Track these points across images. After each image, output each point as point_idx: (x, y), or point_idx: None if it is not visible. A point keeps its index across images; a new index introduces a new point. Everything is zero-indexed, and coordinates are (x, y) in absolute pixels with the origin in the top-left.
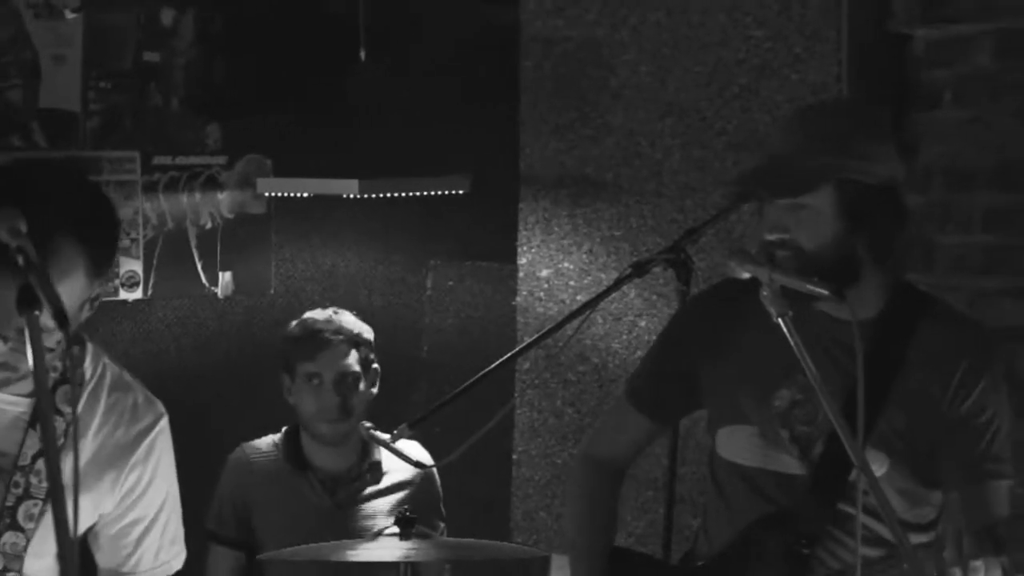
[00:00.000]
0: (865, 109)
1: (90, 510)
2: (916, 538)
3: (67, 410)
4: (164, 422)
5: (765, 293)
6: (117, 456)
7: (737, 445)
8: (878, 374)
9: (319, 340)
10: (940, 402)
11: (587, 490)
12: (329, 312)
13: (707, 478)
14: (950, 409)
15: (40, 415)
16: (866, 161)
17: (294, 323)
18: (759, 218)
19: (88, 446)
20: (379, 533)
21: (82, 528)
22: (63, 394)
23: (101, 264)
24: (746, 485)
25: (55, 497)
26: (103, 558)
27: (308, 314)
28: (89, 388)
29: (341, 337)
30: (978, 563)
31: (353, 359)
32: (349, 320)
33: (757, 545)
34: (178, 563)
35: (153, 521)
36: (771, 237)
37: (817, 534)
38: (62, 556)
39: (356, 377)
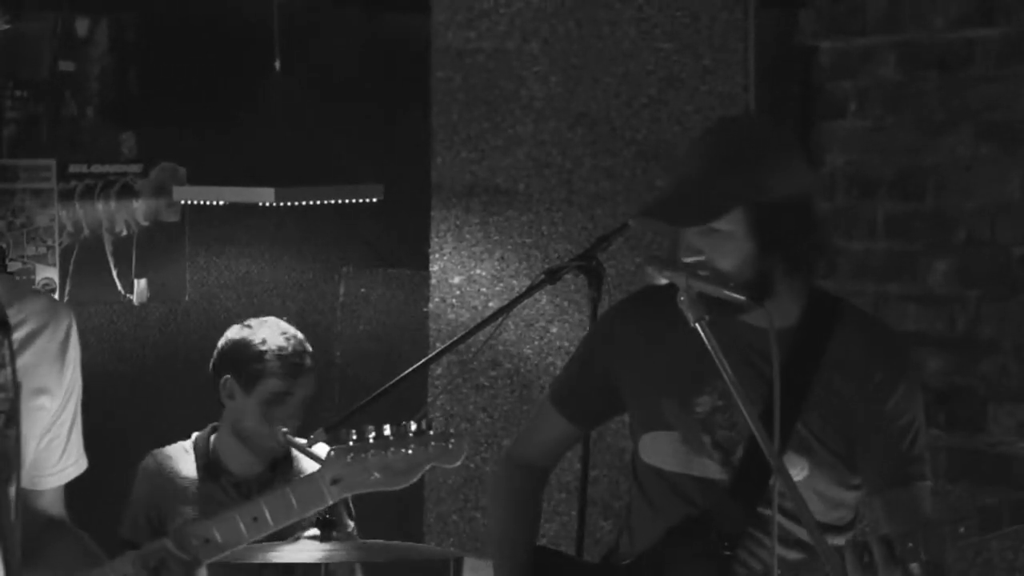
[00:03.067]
0: (770, 128)
1: (44, 418)
2: (835, 539)
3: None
4: (74, 319)
5: (682, 298)
6: (54, 356)
7: (660, 450)
8: (796, 380)
9: (299, 364)
10: (858, 406)
11: (511, 491)
12: (295, 333)
13: (630, 480)
14: (869, 413)
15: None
16: (773, 181)
17: (256, 334)
18: (673, 239)
19: (27, 356)
20: (299, 536)
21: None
22: None
23: None
24: (669, 488)
25: None
26: (36, 466)
27: (271, 329)
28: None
29: (314, 362)
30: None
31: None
32: (307, 343)
33: (680, 546)
34: (85, 460)
35: (75, 414)
36: (688, 260)
37: (738, 536)
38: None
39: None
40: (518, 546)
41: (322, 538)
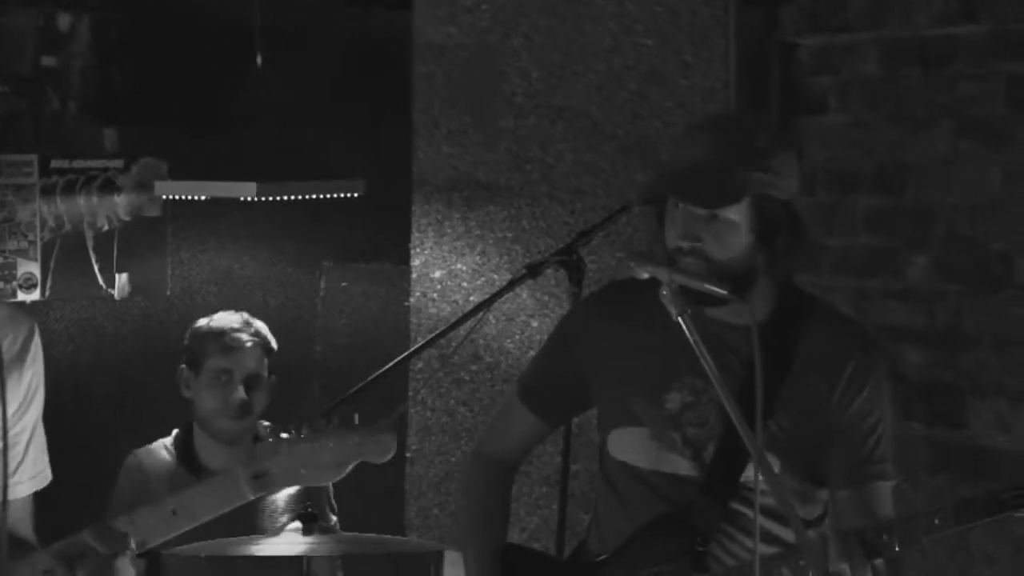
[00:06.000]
0: (781, 129)
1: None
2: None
3: None
4: (36, 327)
5: (664, 292)
6: (9, 362)
7: (629, 446)
8: (766, 377)
9: (235, 339)
10: (828, 403)
11: (479, 488)
12: (244, 315)
13: (598, 476)
14: (838, 410)
15: None
16: (779, 177)
17: (205, 320)
18: (661, 222)
19: None
20: (283, 528)
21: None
22: None
23: None
24: (639, 485)
25: None
26: None
27: (221, 314)
28: None
29: (257, 340)
30: (843, 566)
31: (263, 364)
32: (262, 327)
33: (653, 543)
34: (49, 474)
35: (35, 428)
36: (682, 244)
37: (711, 533)
38: None
39: (262, 379)
40: (487, 543)
41: (304, 531)
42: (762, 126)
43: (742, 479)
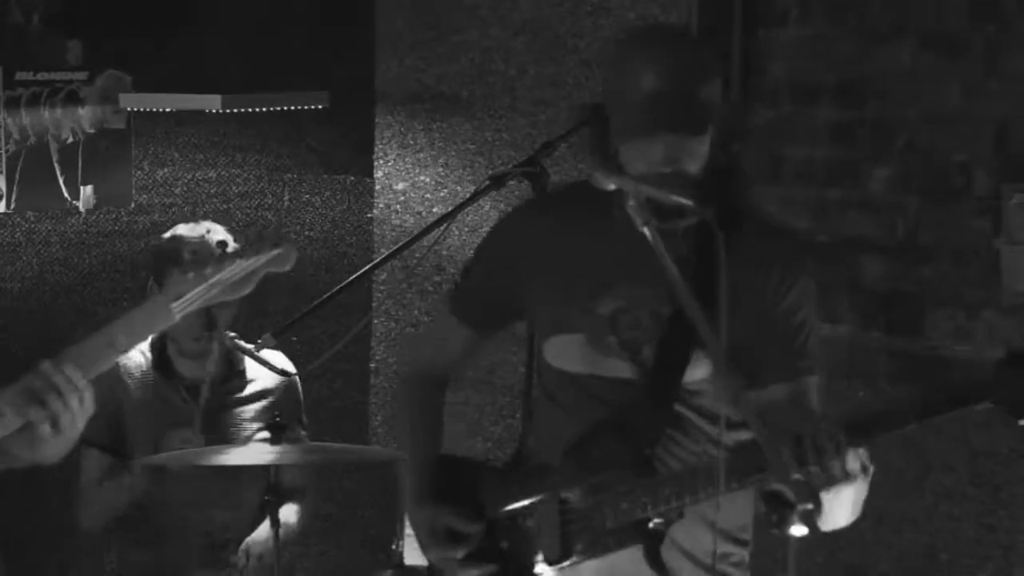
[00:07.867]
0: (698, 34)
1: None
2: (742, 435)
3: None
4: None
5: (631, 203)
6: None
7: (566, 353)
8: (701, 281)
9: (205, 255)
10: (758, 304)
11: (416, 403)
12: (206, 228)
13: (535, 385)
14: (769, 310)
15: None
16: (719, 85)
17: (167, 235)
18: (638, 148)
19: None
20: (250, 438)
21: None
22: None
23: None
24: (579, 391)
25: None
26: None
27: (181, 227)
28: None
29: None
30: (799, 475)
31: None
32: (221, 235)
33: (598, 449)
34: None
35: None
36: (666, 170)
37: (656, 436)
38: None
39: None
40: (427, 456)
41: (272, 441)
42: (697, 40)
43: (683, 381)
